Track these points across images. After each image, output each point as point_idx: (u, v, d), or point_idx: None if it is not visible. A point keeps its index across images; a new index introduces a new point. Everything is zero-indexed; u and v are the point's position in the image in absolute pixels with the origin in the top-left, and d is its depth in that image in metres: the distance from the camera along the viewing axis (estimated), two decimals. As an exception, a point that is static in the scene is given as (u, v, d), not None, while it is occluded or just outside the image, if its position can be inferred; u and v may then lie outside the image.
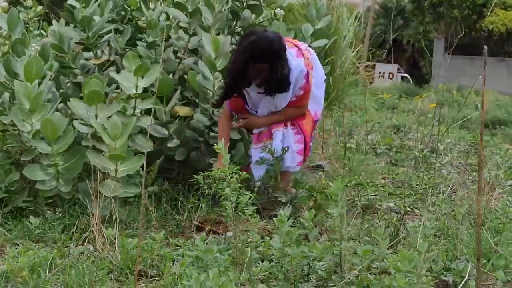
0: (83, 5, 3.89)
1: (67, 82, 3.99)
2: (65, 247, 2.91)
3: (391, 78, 17.95)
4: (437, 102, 8.76)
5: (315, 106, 3.92)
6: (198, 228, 3.31)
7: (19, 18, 3.79)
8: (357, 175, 5.25)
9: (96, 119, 3.33)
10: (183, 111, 4.05)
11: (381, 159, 6.53)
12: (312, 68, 3.82)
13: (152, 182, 3.65)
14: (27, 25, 4.70)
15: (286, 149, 3.65)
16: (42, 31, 4.95)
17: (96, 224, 2.93)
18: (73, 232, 3.01)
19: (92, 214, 3.04)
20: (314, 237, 2.54)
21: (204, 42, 3.79)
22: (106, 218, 3.09)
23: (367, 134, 7.84)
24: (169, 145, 3.82)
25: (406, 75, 18.32)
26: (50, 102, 3.69)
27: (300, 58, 3.69)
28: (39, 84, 3.37)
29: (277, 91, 3.60)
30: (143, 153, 3.54)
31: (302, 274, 2.35)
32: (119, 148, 3.21)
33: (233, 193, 2.95)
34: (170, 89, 3.76)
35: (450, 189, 4.45)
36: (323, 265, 2.31)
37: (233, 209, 2.99)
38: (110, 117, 3.34)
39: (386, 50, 15.69)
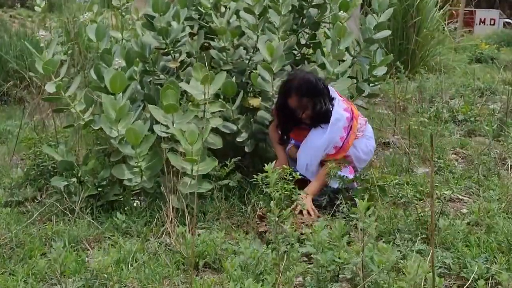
0: (161, 13, 4.36)
1: (150, 82, 4.52)
2: (146, 240, 3.48)
3: (492, 25, 17.39)
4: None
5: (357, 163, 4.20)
6: (260, 218, 3.77)
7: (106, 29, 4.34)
8: (428, 150, 5.53)
9: (173, 125, 3.84)
10: (254, 102, 4.51)
11: (459, 128, 6.68)
12: (357, 125, 4.11)
13: (226, 175, 4.12)
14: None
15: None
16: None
17: (171, 220, 3.47)
18: (153, 227, 3.56)
19: (172, 208, 3.58)
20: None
21: (260, 47, 4.20)
22: (183, 210, 3.62)
23: (451, 99, 7.95)
24: (238, 139, 4.29)
25: (510, 20, 17.68)
26: (136, 101, 4.25)
27: (347, 110, 4.04)
28: (124, 92, 3.92)
29: (320, 122, 3.98)
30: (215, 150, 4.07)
31: (332, 274, 2.79)
32: (195, 152, 3.70)
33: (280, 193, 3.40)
34: (234, 90, 4.20)
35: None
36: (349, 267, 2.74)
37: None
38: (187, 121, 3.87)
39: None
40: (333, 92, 4.11)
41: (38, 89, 6.51)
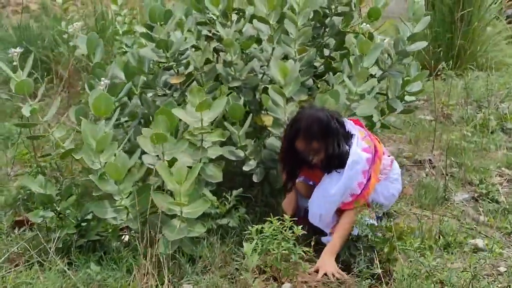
0: (162, 22, 3.84)
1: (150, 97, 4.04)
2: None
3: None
4: None
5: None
6: (260, 270, 3.26)
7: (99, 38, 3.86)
8: (469, 171, 4.92)
9: (164, 157, 3.35)
10: (268, 120, 3.97)
11: (508, 139, 6.01)
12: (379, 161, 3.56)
13: (227, 211, 3.62)
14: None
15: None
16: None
17: (146, 282, 2.99)
18: (130, 281, 3.09)
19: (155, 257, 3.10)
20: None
21: (272, 68, 3.65)
22: (168, 259, 3.15)
23: (501, 102, 7.22)
24: (245, 168, 3.78)
25: None
26: (136, 117, 3.79)
27: (368, 151, 3.47)
28: (110, 118, 3.45)
29: (335, 167, 3.42)
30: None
31: None
32: (183, 192, 3.20)
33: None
34: (242, 113, 3.67)
35: None
36: None
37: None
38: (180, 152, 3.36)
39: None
40: (351, 127, 3.53)
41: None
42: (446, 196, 4.53)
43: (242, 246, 3.44)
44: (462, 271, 2.74)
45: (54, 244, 3.32)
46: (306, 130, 3.39)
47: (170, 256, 3.20)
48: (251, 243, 2.81)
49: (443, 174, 4.89)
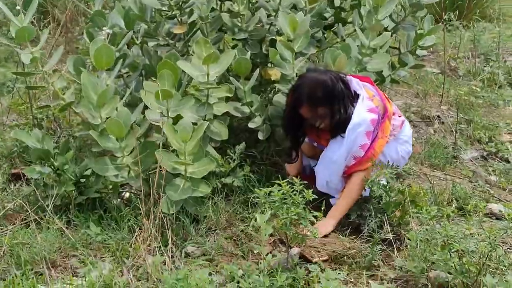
0: (165, -32, 3.61)
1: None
2: (126, 257, 2.88)
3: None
4: None
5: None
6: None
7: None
8: (477, 128, 4.78)
9: (168, 113, 3.18)
10: (275, 74, 3.80)
11: (515, 95, 5.85)
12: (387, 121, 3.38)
13: (232, 169, 3.48)
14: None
15: None
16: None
17: (149, 243, 2.86)
18: (132, 242, 2.96)
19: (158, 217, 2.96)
20: None
21: (280, 20, 3.44)
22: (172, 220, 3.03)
23: (510, 55, 7.04)
24: (250, 124, 3.61)
25: None
26: (137, 69, 3.60)
27: (374, 111, 3.27)
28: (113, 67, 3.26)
29: (340, 132, 3.27)
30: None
31: None
32: (188, 151, 3.05)
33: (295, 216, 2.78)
34: (249, 68, 3.48)
35: None
36: None
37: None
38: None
39: None
40: (357, 86, 3.35)
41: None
42: (455, 155, 4.40)
43: (247, 206, 3.33)
44: (480, 241, 2.61)
45: (51, 201, 3.18)
46: (310, 96, 3.22)
47: (174, 217, 3.07)
48: (263, 213, 2.65)
49: (452, 131, 4.76)
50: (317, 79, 3.23)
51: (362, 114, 3.23)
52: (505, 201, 3.66)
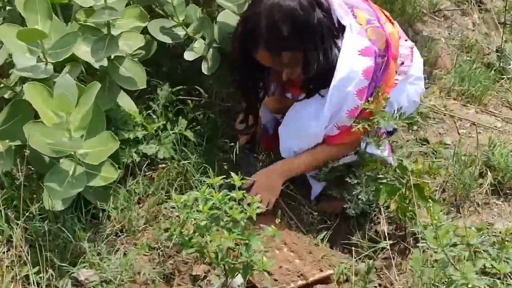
0: None
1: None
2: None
3: None
4: None
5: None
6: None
7: None
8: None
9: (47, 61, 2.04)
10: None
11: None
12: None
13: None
14: None
15: None
16: None
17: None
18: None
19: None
20: None
21: None
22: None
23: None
24: (187, 56, 2.45)
25: None
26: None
27: (369, 52, 2.09)
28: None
29: (317, 89, 2.09)
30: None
31: None
32: (76, 126, 1.95)
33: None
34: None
35: None
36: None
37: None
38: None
39: None
40: (342, 10, 2.16)
41: None
42: (501, 66, 3.16)
43: (180, 188, 2.27)
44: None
45: None
46: (270, 36, 2.02)
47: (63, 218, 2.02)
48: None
49: (499, 23, 3.47)
50: (280, 5, 2.01)
51: (351, 61, 2.07)
52: None
